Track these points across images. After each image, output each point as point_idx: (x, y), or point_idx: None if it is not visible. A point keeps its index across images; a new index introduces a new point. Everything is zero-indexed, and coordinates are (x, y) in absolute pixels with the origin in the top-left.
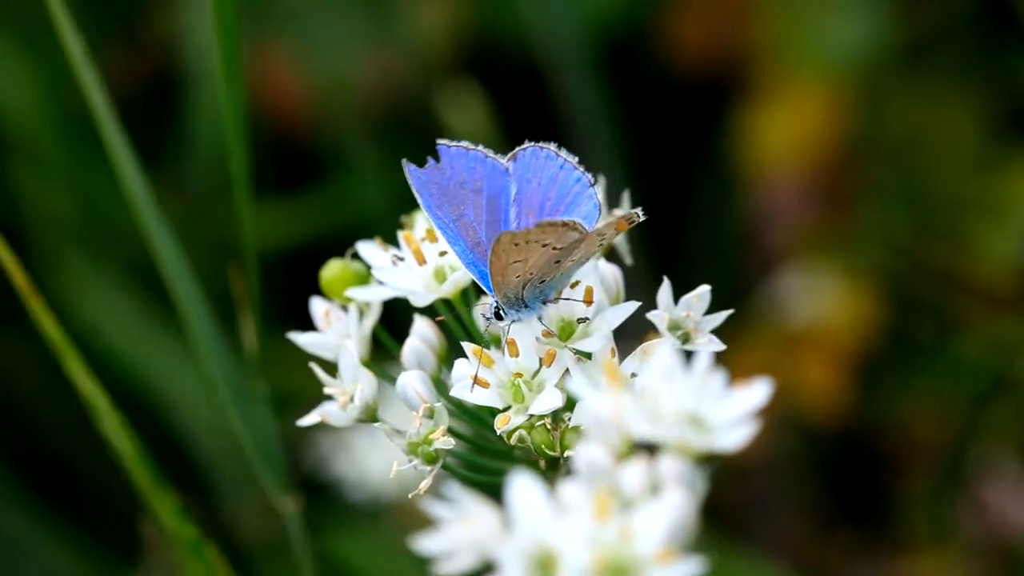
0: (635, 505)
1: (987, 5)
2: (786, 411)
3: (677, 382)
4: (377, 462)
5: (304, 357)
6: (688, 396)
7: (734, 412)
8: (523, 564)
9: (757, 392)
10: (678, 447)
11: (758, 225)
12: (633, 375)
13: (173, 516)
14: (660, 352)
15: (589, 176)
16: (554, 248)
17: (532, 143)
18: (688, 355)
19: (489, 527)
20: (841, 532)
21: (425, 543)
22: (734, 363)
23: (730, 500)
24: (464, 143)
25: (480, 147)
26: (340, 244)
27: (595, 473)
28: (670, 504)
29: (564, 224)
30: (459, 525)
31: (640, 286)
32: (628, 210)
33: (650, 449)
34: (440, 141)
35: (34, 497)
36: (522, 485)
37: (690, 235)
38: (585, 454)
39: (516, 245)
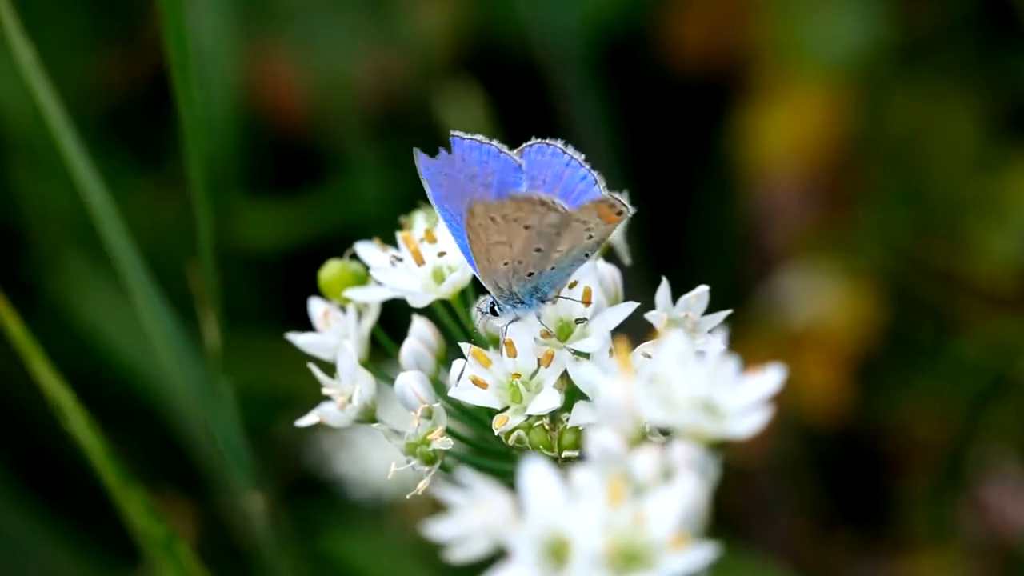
0: (648, 491)
1: (987, 5)
2: (786, 411)
3: (690, 368)
4: (379, 460)
5: (304, 357)
6: (701, 382)
7: (747, 398)
8: (535, 550)
9: (770, 378)
10: (691, 433)
11: (758, 225)
12: None
13: (143, 514)
14: (673, 339)
15: (595, 174)
16: (538, 232)
17: (539, 139)
18: None
19: (502, 513)
20: (841, 532)
21: (437, 528)
22: None
23: (730, 501)
24: (479, 136)
25: (495, 141)
26: (340, 244)
27: (608, 459)
28: (683, 490)
29: (541, 202)
30: (472, 511)
31: (639, 287)
32: (608, 195)
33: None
34: (454, 132)
35: (34, 497)
36: (535, 471)
37: (690, 235)
38: (597, 440)
39: (493, 220)
